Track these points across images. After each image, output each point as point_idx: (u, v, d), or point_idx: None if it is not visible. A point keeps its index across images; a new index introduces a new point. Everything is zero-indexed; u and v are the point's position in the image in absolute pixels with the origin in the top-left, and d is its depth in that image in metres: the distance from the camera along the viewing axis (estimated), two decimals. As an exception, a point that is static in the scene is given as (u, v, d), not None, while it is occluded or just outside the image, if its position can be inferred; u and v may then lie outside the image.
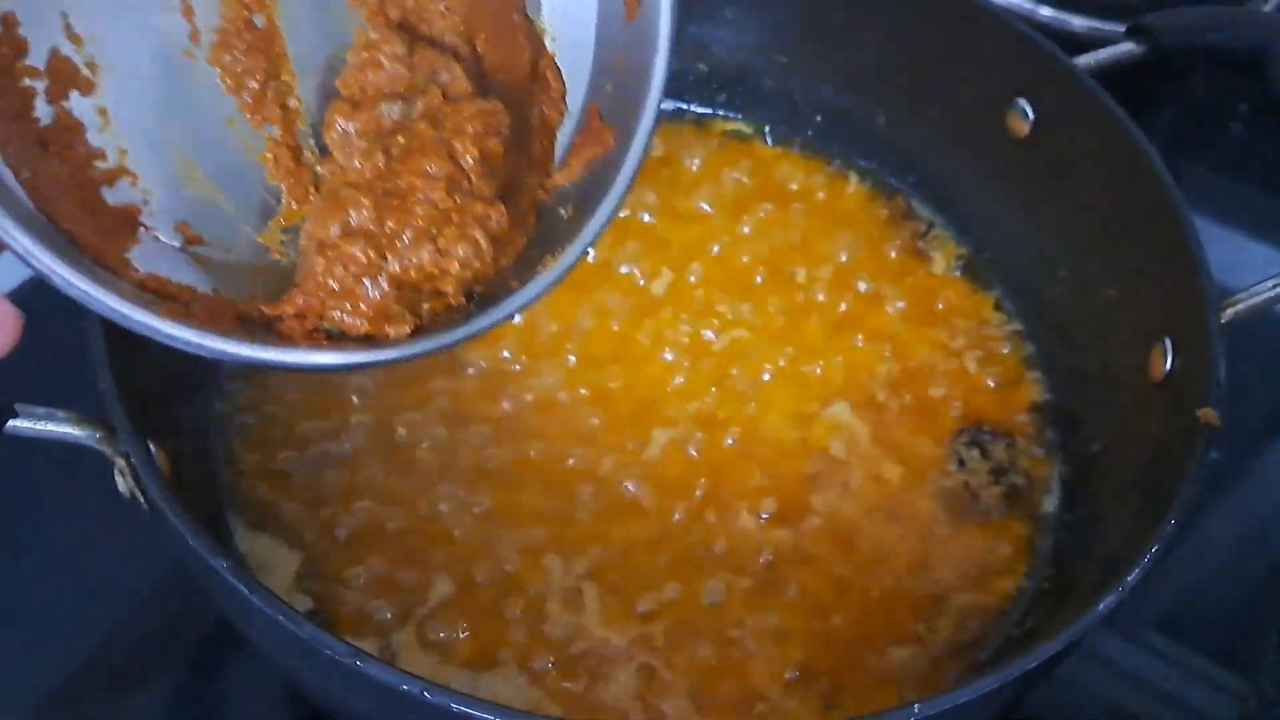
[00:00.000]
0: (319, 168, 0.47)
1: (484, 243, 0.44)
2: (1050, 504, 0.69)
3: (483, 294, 0.45)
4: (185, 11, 0.44)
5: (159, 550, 0.64)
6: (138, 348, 0.55)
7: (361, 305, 0.43)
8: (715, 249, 0.77)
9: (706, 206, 0.79)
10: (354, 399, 0.68)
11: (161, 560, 0.67)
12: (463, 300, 0.45)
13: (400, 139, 0.45)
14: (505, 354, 0.70)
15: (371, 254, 0.43)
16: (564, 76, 0.49)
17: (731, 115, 0.85)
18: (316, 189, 0.46)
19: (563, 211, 0.48)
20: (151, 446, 0.53)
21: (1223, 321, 0.61)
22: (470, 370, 0.69)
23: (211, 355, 0.41)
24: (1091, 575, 0.61)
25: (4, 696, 0.63)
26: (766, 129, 0.85)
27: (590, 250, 0.47)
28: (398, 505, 0.64)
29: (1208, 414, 0.58)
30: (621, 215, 0.76)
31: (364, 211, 0.43)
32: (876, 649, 0.63)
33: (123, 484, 0.54)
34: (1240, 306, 0.62)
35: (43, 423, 0.53)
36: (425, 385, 0.68)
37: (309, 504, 0.64)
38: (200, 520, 0.51)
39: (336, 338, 0.43)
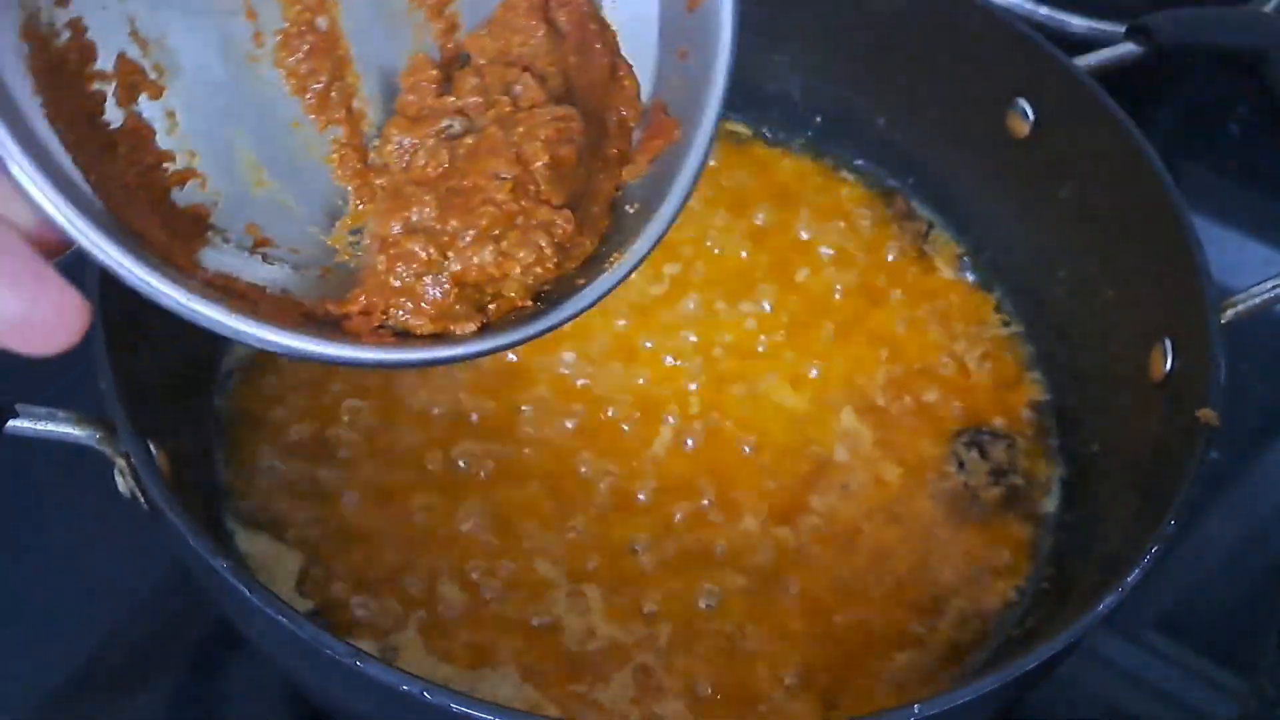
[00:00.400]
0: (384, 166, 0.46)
1: (548, 248, 0.43)
2: (1050, 504, 0.69)
3: (548, 292, 0.45)
4: (248, 14, 0.44)
5: (159, 550, 0.63)
6: (139, 348, 0.56)
7: (423, 304, 0.43)
8: (716, 250, 0.77)
9: (706, 208, 0.79)
10: (354, 400, 0.68)
11: (161, 560, 0.67)
12: (528, 300, 0.44)
13: (469, 140, 0.45)
14: (508, 354, 0.70)
15: (432, 251, 0.43)
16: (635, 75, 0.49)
17: (731, 115, 0.85)
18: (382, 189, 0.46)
19: (628, 208, 0.47)
20: (152, 446, 0.53)
21: (1222, 322, 0.61)
22: (472, 369, 0.69)
23: (278, 351, 0.40)
24: (1091, 575, 0.61)
25: (4, 696, 0.63)
26: (766, 129, 0.85)
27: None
28: (398, 505, 0.64)
29: (1207, 414, 0.58)
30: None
31: (426, 209, 0.43)
32: (877, 649, 0.63)
33: (123, 484, 0.54)
34: (1240, 307, 0.62)
35: (43, 423, 0.53)
36: (426, 385, 0.68)
37: (309, 504, 0.64)
38: (200, 520, 0.51)
39: (402, 336, 0.43)
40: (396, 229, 0.43)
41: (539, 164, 0.44)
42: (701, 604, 0.63)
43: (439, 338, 0.43)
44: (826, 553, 0.65)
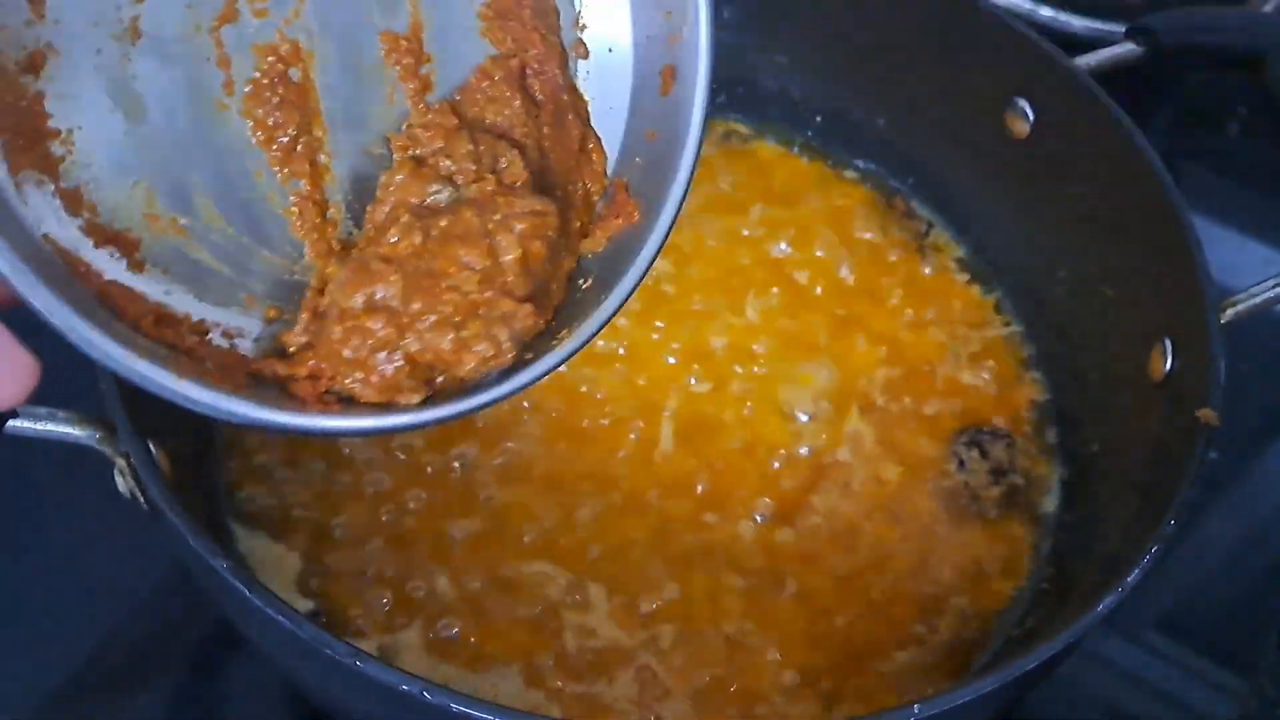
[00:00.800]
0: (344, 224, 0.46)
1: (506, 343, 0.43)
2: (1050, 504, 0.69)
3: None
4: (220, 62, 0.44)
5: (159, 550, 0.63)
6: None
7: (373, 378, 0.43)
8: (715, 250, 0.77)
9: (706, 208, 0.79)
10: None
11: (161, 560, 0.67)
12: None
13: (443, 222, 0.44)
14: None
15: (391, 331, 0.43)
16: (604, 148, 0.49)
17: (731, 116, 0.85)
18: (340, 247, 0.46)
19: (581, 282, 0.47)
20: (152, 447, 0.53)
21: (1222, 322, 0.61)
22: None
23: (224, 418, 0.40)
24: (1091, 575, 0.61)
25: (4, 696, 0.63)
26: (766, 129, 0.85)
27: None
28: (397, 506, 0.64)
29: (1207, 414, 0.58)
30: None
31: (392, 288, 0.43)
32: (877, 649, 0.63)
33: (123, 484, 0.54)
34: (1240, 307, 0.62)
35: (43, 423, 0.53)
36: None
37: (309, 505, 0.64)
38: (200, 521, 0.51)
39: (347, 401, 0.43)
40: (359, 302, 0.43)
41: (510, 257, 0.44)
42: (702, 604, 0.63)
43: (384, 406, 0.43)
44: (827, 552, 0.65)
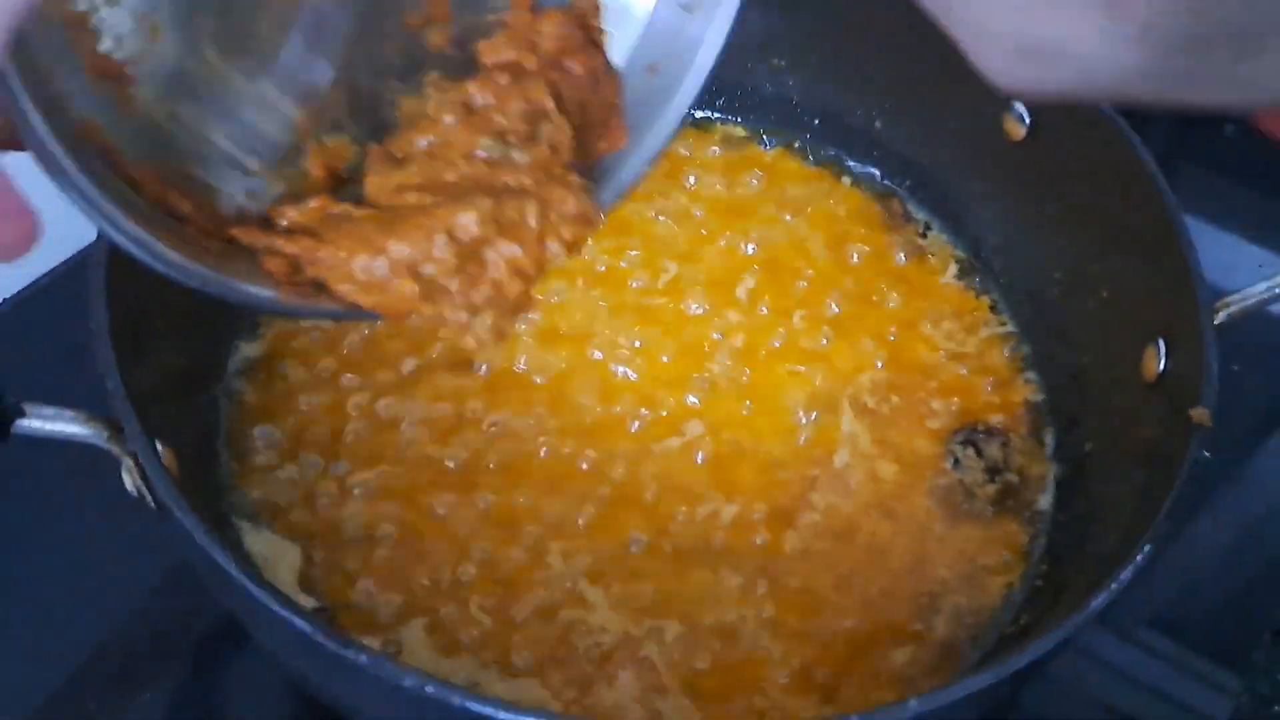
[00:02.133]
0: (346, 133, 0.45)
1: (501, 322, 0.42)
2: (1044, 503, 0.70)
3: None
4: None
5: (165, 549, 0.64)
6: (146, 347, 0.56)
7: (364, 291, 0.41)
8: (714, 252, 0.78)
9: (705, 210, 0.80)
10: (361, 398, 0.68)
11: (167, 559, 0.67)
12: None
13: (509, 212, 0.42)
14: (507, 354, 0.71)
15: (407, 279, 0.41)
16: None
17: (730, 118, 0.86)
18: (383, 153, 0.44)
19: None
20: (158, 445, 0.54)
21: (1216, 323, 0.62)
22: (474, 369, 0.70)
23: (195, 284, 0.39)
24: (1085, 573, 0.61)
25: (4, 696, 0.64)
26: (764, 132, 0.85)
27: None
28: (402, 504, 0.65)
29: (1200, 414, 0.59)
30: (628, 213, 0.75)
31: (441, 264, 0.41)
32: (874, 646, 0.63)
33: (130, 483, 0.54)
34: (1233, 308, 0.63)
35: (50, 422, 0.53)
36: (431, 384, 0.69)
37: (314, 503, 0.65)
38: (207, 519, 0.51)
39: (319, 287, 0.42)
40: (399, 254, 0.41)
41: (548, 258, 0.43)
42: (701, 600, 0.63)
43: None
44: (825, 549, 0.66)
